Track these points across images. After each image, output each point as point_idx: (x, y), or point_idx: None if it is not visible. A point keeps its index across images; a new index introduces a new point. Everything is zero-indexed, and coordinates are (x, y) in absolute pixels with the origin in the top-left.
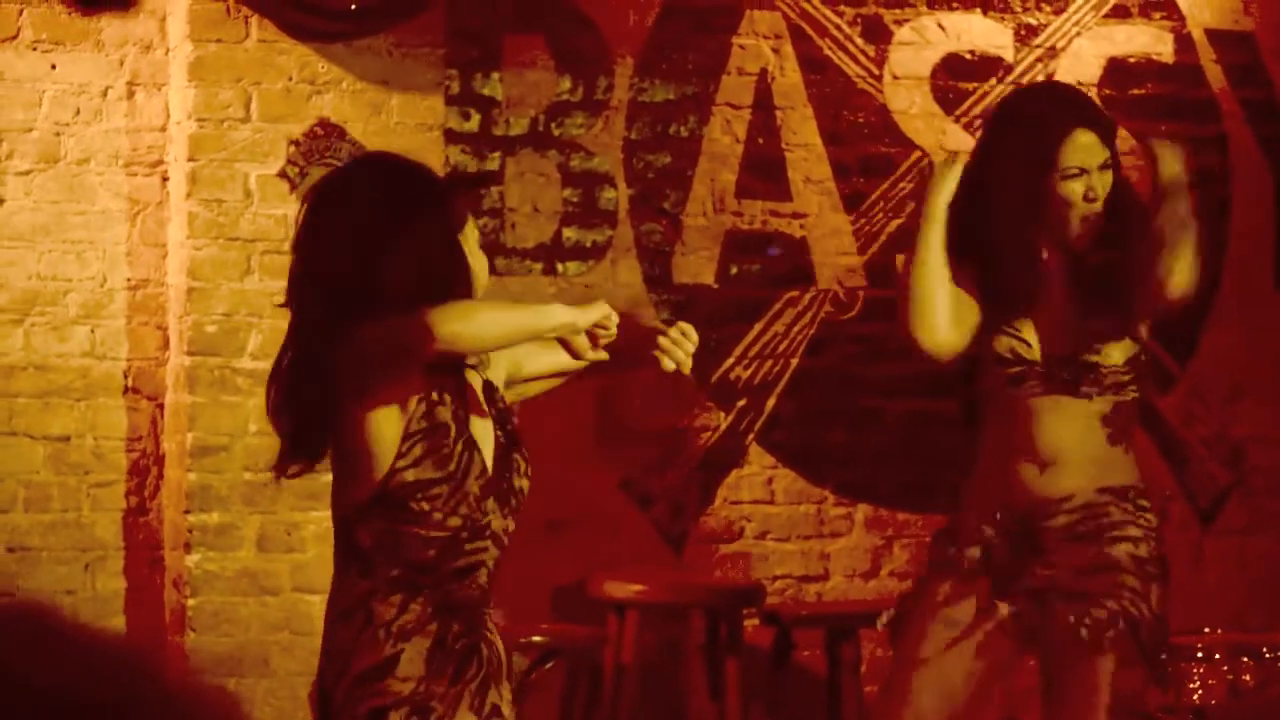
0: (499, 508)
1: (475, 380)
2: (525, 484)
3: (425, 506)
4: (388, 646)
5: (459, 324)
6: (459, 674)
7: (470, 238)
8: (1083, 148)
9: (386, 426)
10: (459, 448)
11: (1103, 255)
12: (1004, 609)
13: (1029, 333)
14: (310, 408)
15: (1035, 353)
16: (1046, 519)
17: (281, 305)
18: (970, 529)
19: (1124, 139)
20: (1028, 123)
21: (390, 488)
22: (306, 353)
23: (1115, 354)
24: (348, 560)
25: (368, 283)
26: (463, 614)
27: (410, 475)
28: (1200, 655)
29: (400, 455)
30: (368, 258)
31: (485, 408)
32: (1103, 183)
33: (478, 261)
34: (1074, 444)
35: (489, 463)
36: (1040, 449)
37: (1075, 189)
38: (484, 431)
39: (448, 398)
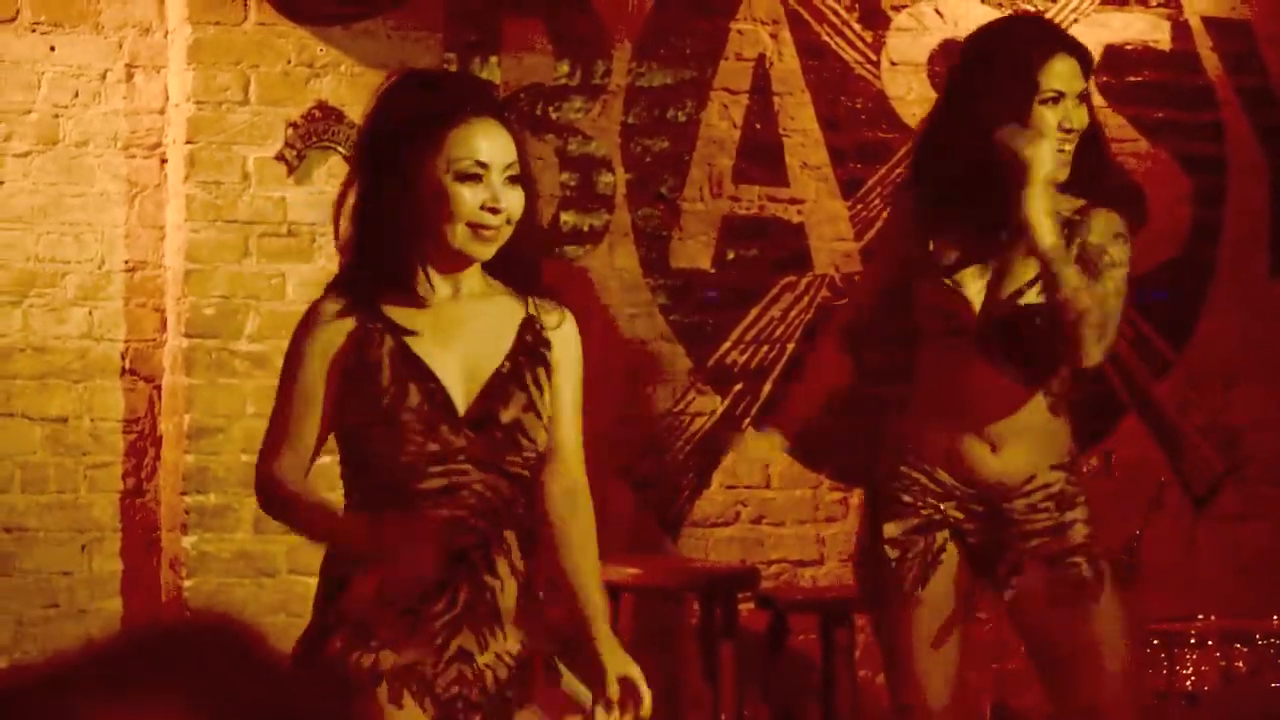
0: (477, 436)
1: (492, 307)
2: (519, 416)
3: (369, 449)
4: (345, 564)
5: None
6: (419, 607)
7: (439, 173)
8: (1061, 74)
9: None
10: (391, 382)
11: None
12: (1007, 595)
13: (969, 284)
14: None
15: (973, 310)
16: (1009, 500)
17: None
18: (916, 501)
19: (1121, 126)
20: (1011, 46)
21: (341, 430)
22: None
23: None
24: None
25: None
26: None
27: (349, 419)
28: (1194, 641)
29: (341, 398)
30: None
31: (494, 333)
32: (1078, 116)
33: (469, 194)
34: (1021, 418)
35: (458, 392)
36: (986, 424)
37: (1050, 116)
38: (464, 356)
39: (380, 334)
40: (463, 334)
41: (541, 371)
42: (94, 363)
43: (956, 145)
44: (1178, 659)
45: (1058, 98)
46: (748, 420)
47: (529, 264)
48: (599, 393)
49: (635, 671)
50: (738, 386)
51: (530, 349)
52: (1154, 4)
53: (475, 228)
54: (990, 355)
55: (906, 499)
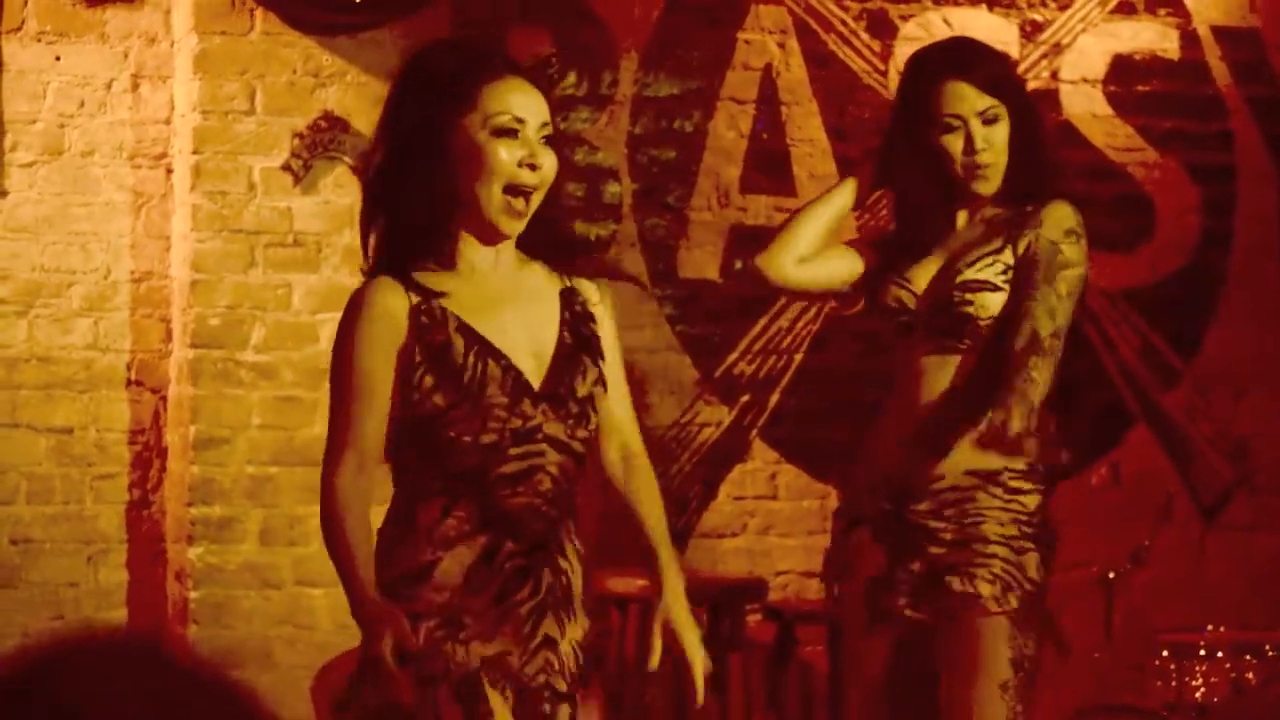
0: (553, 411)
1: (530, 276)
2: (592, 390)
3: (452, 434)
4: (427, 552)
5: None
6: (504, 594)
7: (472, 131)
8: (956, 97)
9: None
10: (471, 359)
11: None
12: (915, 612)
13: (920, 281)
14: None
15: (921, 303)
16: (917, 500)
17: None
18: (849, 495)
19: (1130, 136)
20: (909, 76)
21: (415, 420)
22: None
23: (992, 304)
24: (398, 476)
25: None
26: (521, 530)
27: (422, 407)
28: (1203, 653)
29: (413, 388)
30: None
31: (544, 308)
32: (985, 134)
33: (483, 158)
34: (954, 411)
35: (528, 367)
36: (921, 415)
37: (953, 142)
38: (526, 333)
39: (440, 313)
40: (514, 307)
41: (595, 344)
42: (99, 373)
43: (901, 169)
44: (1187, 670)
45: (955, 125)
46: (755, 431)
47: (562, 235)
48: None
49: (690, 645)
50: (745, 397)
51: (579, 322)
52: (1162, 13)
53: (512, 192)
54: (931, 338)
55: (848, 493)
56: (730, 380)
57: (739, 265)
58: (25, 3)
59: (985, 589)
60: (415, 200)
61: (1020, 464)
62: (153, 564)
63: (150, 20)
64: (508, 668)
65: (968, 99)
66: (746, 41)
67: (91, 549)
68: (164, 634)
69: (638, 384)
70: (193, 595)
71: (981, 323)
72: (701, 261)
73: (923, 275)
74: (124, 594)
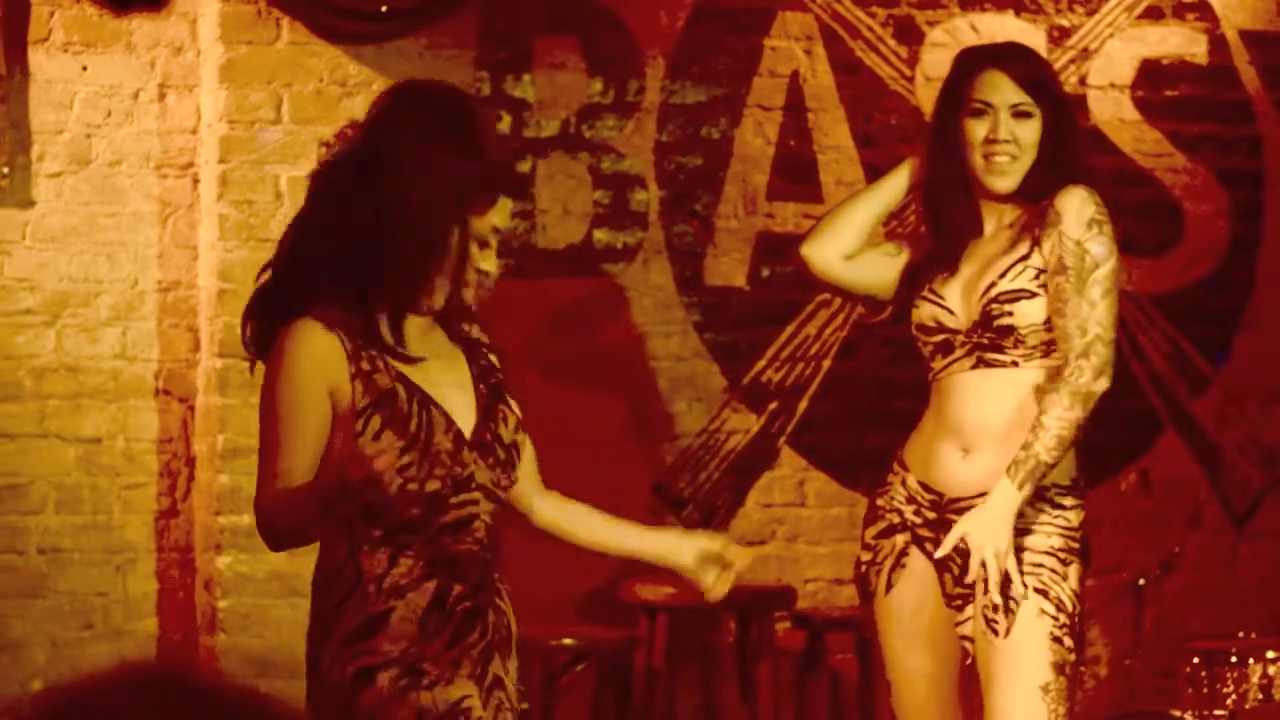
0: (483, 459)
1: (439, 337)
2: (514, 436)
3: (399, 479)
4: (379, 603)
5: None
6: (457, 638)
7: (487, 230)
8: (990, 85)
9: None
10: (415, 407)
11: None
12: (968, 610)
13: (953, 296)
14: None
15: (959, 320)
16: (959, 511)
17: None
18: (885, 505)
19: (1158, 141)
20: (953, 66)
21: (362, 468)
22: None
23: (1031, 311)
24: (330, 530)
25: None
26: (466, 574)
27: (371, 449)
28: (1235, 659)
29: (358, 434)
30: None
31: (458, 364)
32: (1011, 127)
33: (480, 253)
34: (1002, 427)
35: (460, 417)
36: (962, 426)
37: (976, 127)
38: (451, 386)
39: (380, 363)
40: (427, 353)
41: (506, 391)
42: (127, 383)
43: (930, 160)
44: (1218, 677)
45: (984, 110)
46: (783, 438)
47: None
48: (633, 411)
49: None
50: (773, 405)
51: (487, 374)
52: (1191, 18)
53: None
54: (973, 354)
55: (880, 503)
56: (758, 387)
57: (766, 272)
58: (52, 13)
59: (1032, 596)
60: (367, 250)
61: (1065, 479)
62: (181, 573)
63: (177, 30)
64: (470, 711)
65: (1001, 88)
66: (773, 48)
67: (120, 558)
68: (194, 668)
69: (666, 392)
70: (221, 604)
71: (1023, 331)
72: (729, 269)
73: (955, 290)
74: (153, 603)
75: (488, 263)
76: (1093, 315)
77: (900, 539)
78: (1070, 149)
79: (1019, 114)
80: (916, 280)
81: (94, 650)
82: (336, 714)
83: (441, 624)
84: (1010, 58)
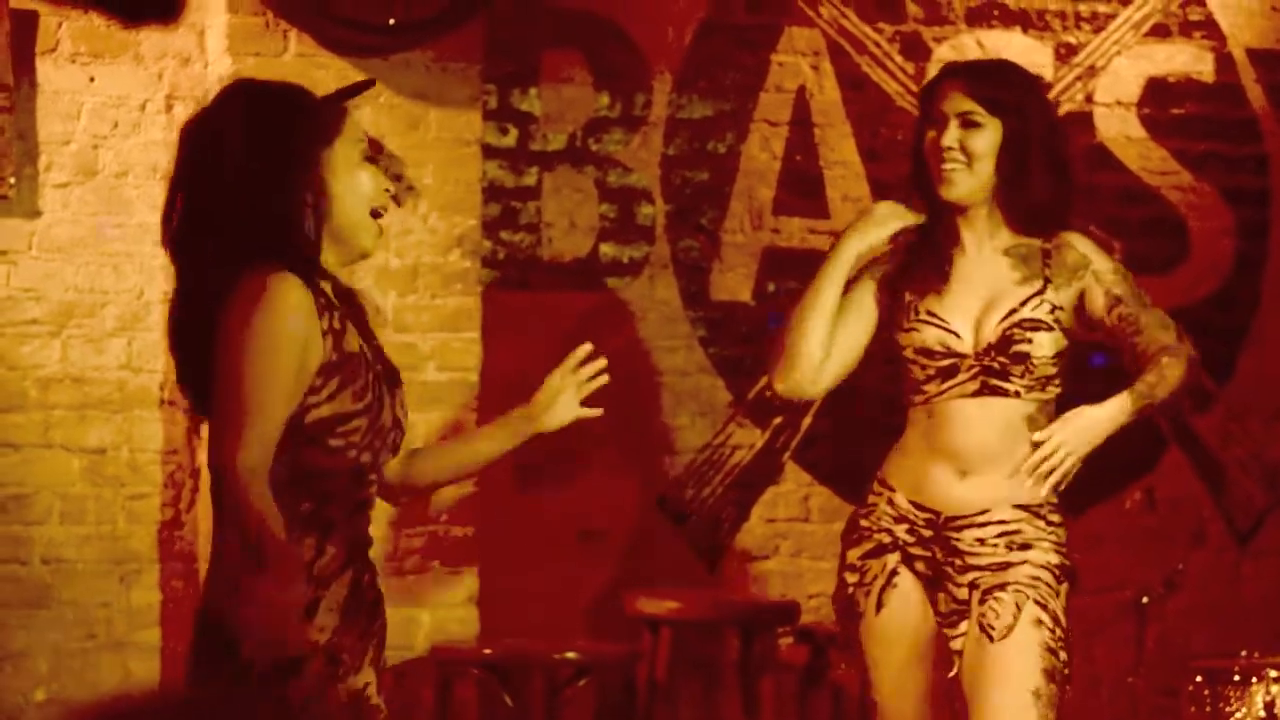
0: (382, 444)
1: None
2: (405, 419)
3: (340, 442)
4: (308, 592)
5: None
6: (368, 626)
7: (343, 156)
8: (942, 95)
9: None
10: (372, 378)
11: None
12: (953, 643)
13: (958, 319)
14: (198, 351)
15: (966, 344)
16: (958, 530)
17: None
18: (872, 526)
19: (1164, 159)
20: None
21: (304, 424)
22: (199, 295)
23: (1047, 343)
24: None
25: (250, 219)
26: (367, 561)
27: (326, 410)
28: (1238, 678)
29: (313, 390)
30: (247, 194)
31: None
32: (959, 135)
33: (353, 181)
34: (998, 451)
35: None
36: (958, 448)
37: (931, 138)
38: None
39: (350, 325)
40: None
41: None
42: (133, 394)
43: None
44: (1221, 696)
45: (938, 120)
46: (787, 454)
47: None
48: (638, 425)
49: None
50: (777, 420)
51: (379, 350)
52: (1197, 36)
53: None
54: (978, 378)
55: (865, 524)
56: (763, 402)
57: (772, 287)
58: (60, 24)
59: (1031, 607)
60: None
61: (1054, 497)
62: (185, 584)
63: (184, 41)
64: (370, 699)
65: (951, 98)
66: (780, 64)
67: (124, 569)
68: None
69: (671, 406)
70: None
71: (1035, 361)
72: (734, 284)
73: (955, 312)
74: (157, 614)
75: (375, 191)
76: (1160, 314)
77: (891, 559)
78: (1041, 163)
79: (968, 123)
80: (897, 291)
81: (97, 660)
82: (267, 705)
83: (357, 612)
84: (967, 70)
